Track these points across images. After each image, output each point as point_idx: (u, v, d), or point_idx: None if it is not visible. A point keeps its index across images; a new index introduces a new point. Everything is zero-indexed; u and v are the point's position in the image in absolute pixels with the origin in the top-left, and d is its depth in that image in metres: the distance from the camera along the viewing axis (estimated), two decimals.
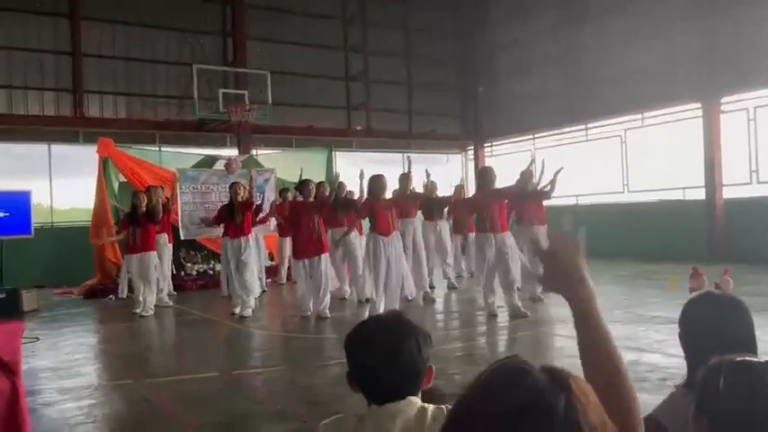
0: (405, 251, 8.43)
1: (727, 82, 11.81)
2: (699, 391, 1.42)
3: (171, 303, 9.16)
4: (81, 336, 7.20)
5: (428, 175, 8.79)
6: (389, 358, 1.45)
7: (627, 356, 5.13)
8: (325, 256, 7.76)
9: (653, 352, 5.15)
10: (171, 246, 10.18)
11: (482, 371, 0.87)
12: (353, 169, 8.74)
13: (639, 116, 13.77)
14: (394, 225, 7.98)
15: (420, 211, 9.34)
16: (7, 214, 9.55)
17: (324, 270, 7.68)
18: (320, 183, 8.53)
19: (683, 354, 1.92)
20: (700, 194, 12.47)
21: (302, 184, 7.98)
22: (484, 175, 7.52)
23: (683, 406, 1.73)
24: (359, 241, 8.93)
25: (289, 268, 10.22)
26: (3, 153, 12.38)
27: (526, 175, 8.53)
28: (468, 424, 0.82)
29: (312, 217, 7.67)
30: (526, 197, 8.35)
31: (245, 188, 8.45)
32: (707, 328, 1.86)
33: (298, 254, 7.78)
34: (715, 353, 1.55)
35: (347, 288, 9.24)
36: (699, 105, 12.42)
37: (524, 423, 0.79)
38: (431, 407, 1.43)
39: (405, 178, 8.68)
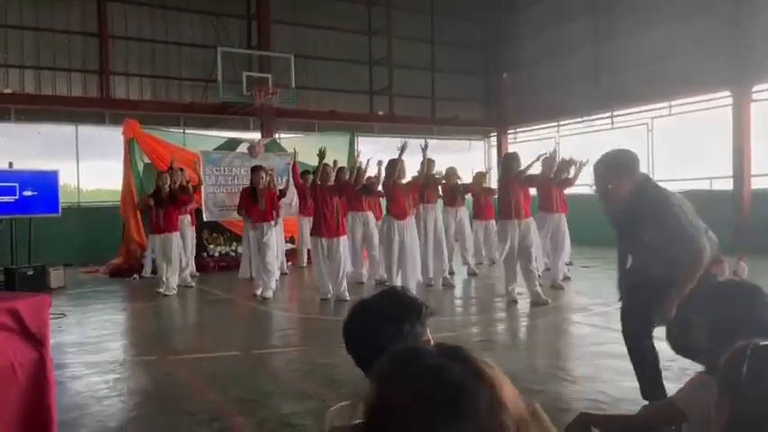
0: (426, 236, 8.45)
1: (758, 69, 11.54)
2: (722, 374, 1.41)
3: (193, 284, 9.28)
4: (106, 313, 7.34)
5: (379, 163, 8.24)
6: (396, 326, 1.50)
7: None
8: (343, 239, 7.78)
9: None
10: (194, 227, 10.30)
11: (384, 368, 0.85)
12: (376, 154, 8.77)
13: (667, 104, 13.53)
14: (410, 209, 8.02)
15: (441, 197, 9.35)
16: (35, 193, 9.72)
17: (342, 252, 7.71)
18: (340, 168, 8.52)
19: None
20: (727, 185, 12.24)
21: (317, 167, 7.89)
22: (510, 161, 7.44)
23: (704, 392, 1.72)
24: (376, 225, 8.96)
25: (308, 251, 10.28)
26: (31, 133, 12.60)
27: (549, 162, 8.46)
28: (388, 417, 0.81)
29: (332, 199, 7.69)
30: (550, 183, 8.33)
31: (266, 173, 8.50)
32: (728, 314, 1.86)
33: (316, 231, 7.77)
34: (736, 339, 1.54)
35: (364, 271, 9.27)
36: (728, 93, 12.16)
37: (443, 413, 0.78)
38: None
39: (426, 164, 8.69)
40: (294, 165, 8.53)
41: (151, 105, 13.56)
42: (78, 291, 8.95)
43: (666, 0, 12.87)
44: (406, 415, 0.78)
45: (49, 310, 2.64)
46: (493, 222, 10.07)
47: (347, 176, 8.22)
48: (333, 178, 7.98)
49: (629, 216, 3.37)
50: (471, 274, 9.77)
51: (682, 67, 12.63)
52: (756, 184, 11.88)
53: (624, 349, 3.68)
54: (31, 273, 8.89)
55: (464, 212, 10.08)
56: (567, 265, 9.05)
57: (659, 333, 5.38)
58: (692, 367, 4.16)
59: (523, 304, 7.10)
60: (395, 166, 7.91)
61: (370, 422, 0.82)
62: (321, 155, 7.72)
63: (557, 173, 8.29)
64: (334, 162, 8.72)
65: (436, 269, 8.52)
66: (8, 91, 12.25)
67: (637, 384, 3.62)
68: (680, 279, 3.06)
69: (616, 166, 3.39)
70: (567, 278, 8.66)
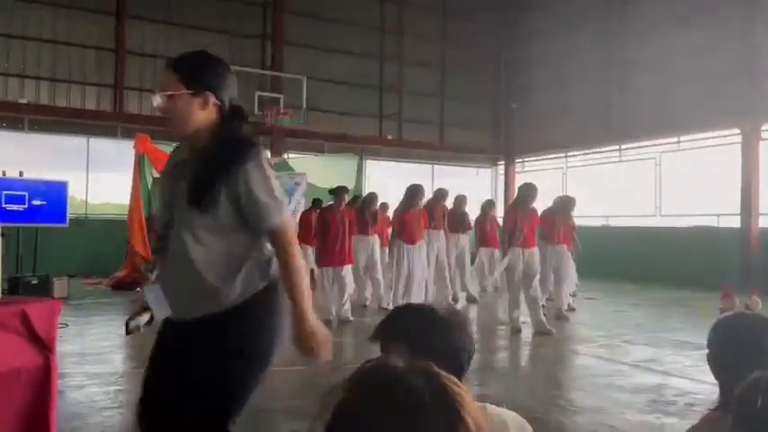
0: (429, 262, 8.47)
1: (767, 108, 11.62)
2: (735, 407, 1.39)
3: None
4: (108, 324, 7.32)
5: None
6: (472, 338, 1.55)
7: (652, 380, 5.07)
8: (348, 267, 7.80)
9: (681, 377, 5.05)
10: None
11: (351, 377, 0.84)
12: (382, 178, 8.87)
13: (676, 139, 13.58)
14: (420, 234, 8.05)
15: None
16: (44, 203, 9.78)
17: (346, 278, 7.73)
18: (355, 196, 8.63)
19: (712, 380, 1.89)
20: (734, 222, 12.21)
21: (338, 191, 7.98)
22: (527, 192, 7.36)
23: (718, 429, 1.70)
24: (382, 250, 8.97)
25: (312, 271, 10.27)
26: (43, 144, 12.72)
27: (566, 203, 8.63)
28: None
29: (341, 225, 7.71)
30: (555, 216, 8.40)
31: None
32: (740, 347, 1.82)
33: (323, 261, 7.78)
34: (749, 373, 1.52)
35: (368, 295, 9.25)
36: (738, 131, 12.21)
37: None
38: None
39: (440, 192, 8.81)
40: None
41: (163, 121, 13.63)
42: (81, 302, 8.94)
43: (678, 36, 13.01)
44: (363, 424, 0.78)
45: (59, 317, 2.65)
46: (497, 250, 10.06)
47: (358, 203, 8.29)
48: (345, 202, 8.01)
49: None
50: (471, 300, 9.74)
51: (691, 104, 12.71)
52: (764, 222, 11.85)
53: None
54: (36, 282, 8.89)
55: (466, 240, 10.10)
56: (571, 296, 9.03)
57: (671, 369, 5.37)
58: (699, 405, 4.13)
59: (527, 333, 7.06)
60: (416, 195, 7.95)
61: (329, 429, 0.83)
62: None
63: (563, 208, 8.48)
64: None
65: (438, 295, 8.51)
66: (23, 101, 12.40)
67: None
68: None
69: None
70: (571, 309, 8.63)
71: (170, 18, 13.87)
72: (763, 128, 11.91)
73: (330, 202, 8.14)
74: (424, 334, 1.51)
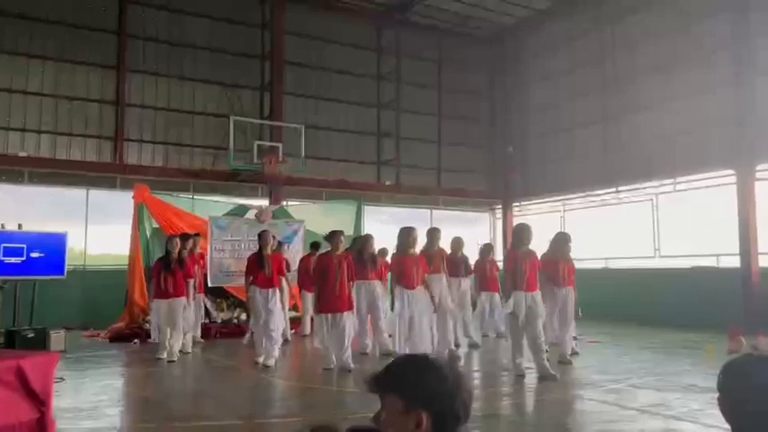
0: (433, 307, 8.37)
1: (762, 149, 11.74)
2: None
3: (190, 350, 9.13)
4: (105, 378, 7.20)
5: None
6: (471, 394, 1.54)
7: (661, 425, 4.98)
8: (348, 313, 7.67)
9: (689, 421, 4.94)
10: (202, 294, 10.37)
11: None
12: (381, 225, 8.87)
13: (672, 180, 13.68)
14: (419, 279, 8.00)
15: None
16: (42, 255, 9.75)
17: (347, 324, 7.60)
18: (356, 238, 8.59)
19: (721, 423, 1.84)
20: (734, 262, 12.18)
21: (332, 235, 8.00)
22: (521, 233, 7.37)
23: None
24: (383, 295, 8.89)
25: (311, 319, 10.18)
26: (42, 196, 12.75)
27: (562, 238, 8.53)
28: None
29: (339, 270, 7.64)
30: (559, 259, 8.32)
31: (274, 238, 8.52)
32: (753, 390, 1.78)
33: (323, 308, 7.66)
34: (763, 416, 1.48)
35: (368, 342, 9.11)
36: (732, 172, 12.31)
37: None
38: None
39: (432, 233, 8.75)
40: None
41: (162, 171, 13.79)
42: (78, 354, 8.81)
43: (673, 80, 13.27)
44: None
45: (55, 370, 2.60)
46: (498, 295, 9.99)
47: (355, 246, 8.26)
48: (342, 247, 7.97)
49: None
50: (473, 346, 9.62)
51: (686, 146, 12.87)
52: (764, 261, 11.82)
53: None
54: (32, 335, 8.79)
55: (467, 284, 10.03)
56: (573, 338, 8.90)
57: (679, 414, 5.26)
58: None
59: (531, 379, 6.94)
60: (408, 236, 7.94)
61: None
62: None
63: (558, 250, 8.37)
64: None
65: (441, 341, 8.39)
66: (23, 154, 12.51)
67: None
68: None
69: None
70: (575, 353, 8.50)
71: (170, 71, 14.13)
72: (758, 168, 12.02)
73: (328, 249, 8.10)
74: (413, 385, 1.49)
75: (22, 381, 2.42)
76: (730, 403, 1.84)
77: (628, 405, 5.63)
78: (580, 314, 8.73)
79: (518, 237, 7.34)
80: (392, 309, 8.34)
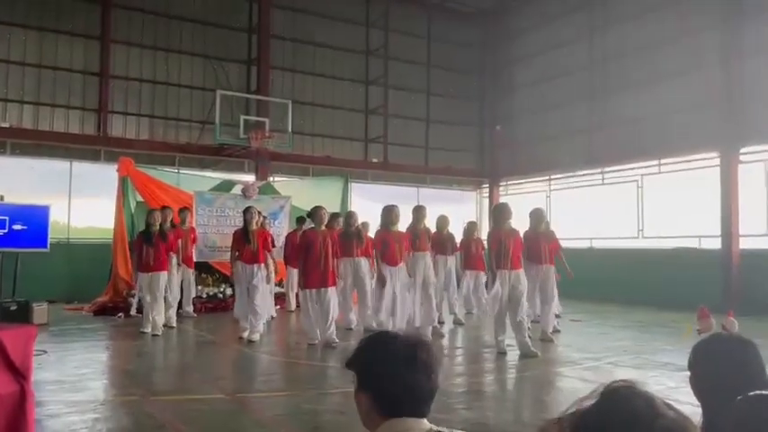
0: (415, 284, 8.42)
1: (746, 132, 11.82)
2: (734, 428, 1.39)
3: (174, 324, 9.15)
4: (89, 351, 7.20)
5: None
6: (428, 375, 1.43)
7: None
8: (332, 289, 7.73)
9: (664, 399, 5.04)
10: (192, 269, 10.37)
11: None
12: (367, 202, 8.85)
13: (656, 162, 13.77)
14: (402, 256, 8.05)
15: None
16: (25, 227, 9.65)
17: (331, 299, 7.66)
18: (334, 214, 8.58)
19: (693, 401, 1.87)
20: (716, 244, 12.35)
21: (314, 210, 7.99)
22: (501, 211, 7.46)
23: None
24: (369, 271, 8.92)
25: (297, 295, 10.21)
26: (26, 168, 12.59)
27: (537, 215, 8.59)
28: None
29: (323, 246, 7.66)
30: (540, 237, 8.40)
31: (260, 214, 8.50)
32: (719, 369, 1.82)
33: (306, 283, 7.72)
34: (730, 393, 1.52)
35: (353, 317, 9.18)
36: (716, 155, 12.41)
37: None
38: (444, 429, 1.41)
39: (418, 211, 8.76)
40: None
41: (147, 144, 13.65)
42: (61, 328, 8.79)
43: (659, 61, 13.29)
44: None
45: (34, 343, 2.60)
46: (483, 273, 10.06)
47: (340, 223, 8.26)
48: (325, 222, 7.98)
49: None
50: (458, 323, 9.72)
51: (671, 128, 12.94)
52: (744, 244, 11.98)
53: None
54: (15, 308, 8.75)
55: (453, 262, 10.09)
56: (556, 317, 9.00)
57: (654, 391, 5.36)
58: None
59: (512, 356, 7.04)
60: (390, 213, 7.97)
61: None
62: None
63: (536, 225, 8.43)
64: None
65: (424, 318, 8.44)
66: (5, 125, 12.31)
67: None
68: None
69: None
70: (556, 331, 8.61)
71: (155, 43, 13.90)
72: (742, 151, 12.12)
73: (311, 225, 8.10)
74: (360, 365, 1.47)
75: (1, 353, 2.41)
76: (698, 380, 1.89)
77: (605, 383, 5.72)
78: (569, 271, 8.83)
79: (499, 215, 7.41)
80: (374, 285, 8.40)
